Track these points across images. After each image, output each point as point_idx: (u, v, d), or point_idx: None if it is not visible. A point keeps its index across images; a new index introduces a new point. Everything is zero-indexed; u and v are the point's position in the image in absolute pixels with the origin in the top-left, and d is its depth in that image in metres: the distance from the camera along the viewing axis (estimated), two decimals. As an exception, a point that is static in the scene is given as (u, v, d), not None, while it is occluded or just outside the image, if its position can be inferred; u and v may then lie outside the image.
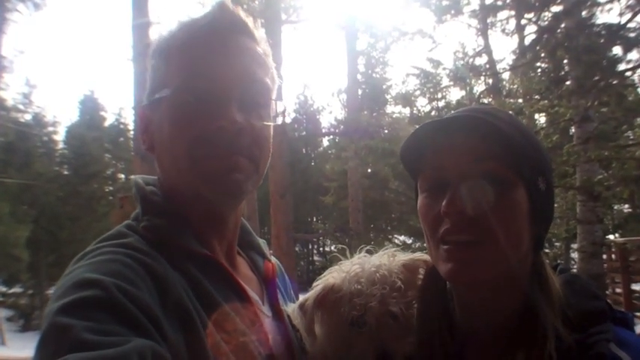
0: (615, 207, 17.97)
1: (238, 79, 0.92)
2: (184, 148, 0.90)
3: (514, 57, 11.05)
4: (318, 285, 1.01)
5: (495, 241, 0.84)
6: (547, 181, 0.92)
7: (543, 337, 0.82)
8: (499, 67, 14.54)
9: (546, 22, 9.96)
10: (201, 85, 0.90)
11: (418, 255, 1.05)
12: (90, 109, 29.12)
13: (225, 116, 0.89)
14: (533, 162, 0.89)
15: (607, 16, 9.45)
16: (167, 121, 0.92)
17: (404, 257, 1.04)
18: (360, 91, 22.35)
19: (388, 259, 1.01)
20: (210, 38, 0.93)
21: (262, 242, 1.17)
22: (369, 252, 1.08)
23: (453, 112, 0.95)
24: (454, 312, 0.98)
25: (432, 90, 22.83)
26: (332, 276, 1.01)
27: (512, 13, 12.46)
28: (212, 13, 0.95)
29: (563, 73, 9.67)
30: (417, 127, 0.92)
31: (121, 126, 31.48)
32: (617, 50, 8.30)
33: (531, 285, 0.90)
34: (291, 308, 1.04)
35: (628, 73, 8.50)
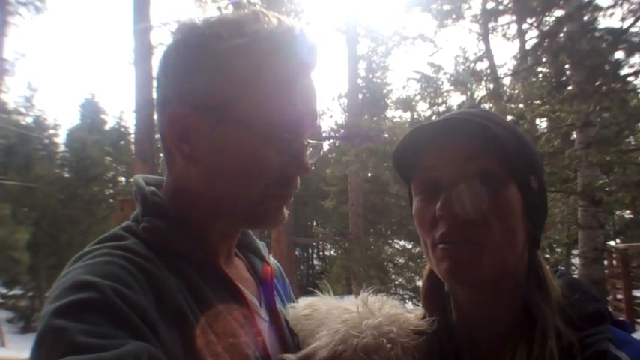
0: (616, 213, 17.96)
1: (316, 120, 0.92)
2: (258, 189, 0.87)
3: (515, 62, 11.08)
4: (320, 350, 0.91)
5: (491, 240, 0.85)
6: (539, 180, 0.92)
7: (543, 336, 0.82)
8: (500, 71, 14.57)
9: (548, 27, 9.97)
10: (293, 126, 0.87)
11: (422, 316, 0.99)
12: (91, 112, 29.32)
13: (303, 162, 0.90)
14: (524, 160, 0.90)
15: (609, 20, 9.48)
16: (243, 151, 0.85)
17: (410, 319, 0.95)
18: (360, 96, 22.42)
19: (397, 323, 0.92)
20: (301, 71, 0.88)
21: (261, 244, 1.15)
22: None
23: (445, 114, 0.96)
24: (452, 313, 0.98)
25: (432, 94, 22.83)
26: (341, 338, 0.90)
27: (514, 18, 12.50)
28: (300, 38, 0.87)
29: (564, 77, 9.68)
30: (410, 130, 0.91)
31: (122, 129, 31.67)
32: (619, 55, 8.32)
33: (529, 284, 0.90)
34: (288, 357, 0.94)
35: (630, 78, 8.49)
